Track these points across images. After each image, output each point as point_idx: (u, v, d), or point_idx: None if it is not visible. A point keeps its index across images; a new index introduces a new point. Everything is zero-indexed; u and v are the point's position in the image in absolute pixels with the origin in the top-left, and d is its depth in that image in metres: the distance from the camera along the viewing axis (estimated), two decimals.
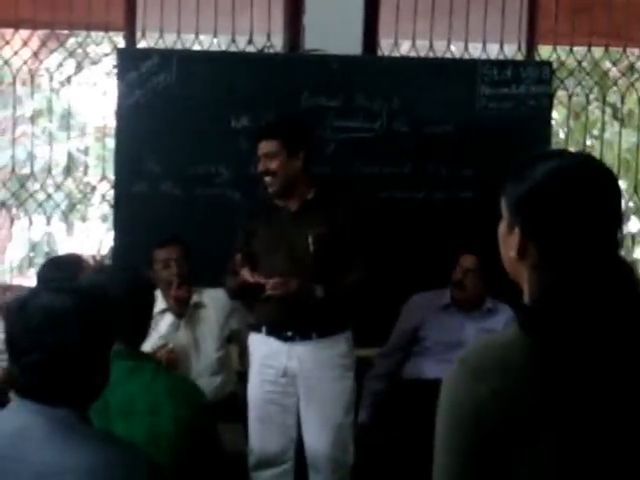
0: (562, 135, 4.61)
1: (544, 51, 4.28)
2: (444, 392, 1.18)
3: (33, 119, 4.39)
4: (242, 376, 3.28)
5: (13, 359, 1.52)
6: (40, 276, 2.86)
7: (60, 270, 2.76)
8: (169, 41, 4.04)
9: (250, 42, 4.06)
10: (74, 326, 1.48)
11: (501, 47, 4.15)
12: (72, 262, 2.90)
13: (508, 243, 1.22)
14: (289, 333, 3.04)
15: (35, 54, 4.16)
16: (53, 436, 1.44)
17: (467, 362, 1.16)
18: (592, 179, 1.19)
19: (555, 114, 4.62)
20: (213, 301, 3.32)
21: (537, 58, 4.18)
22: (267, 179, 3.04)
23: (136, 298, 2.03)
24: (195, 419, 1.97)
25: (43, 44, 4.21)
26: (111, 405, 1.84)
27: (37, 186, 4.22)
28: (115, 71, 3.79)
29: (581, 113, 4.37)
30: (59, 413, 1.46)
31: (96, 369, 1.55)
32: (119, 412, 1.88)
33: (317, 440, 3.06)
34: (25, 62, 4.14)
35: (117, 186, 3.77)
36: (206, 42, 4.11)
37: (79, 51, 4.22)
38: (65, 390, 1.49)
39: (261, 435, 3.08)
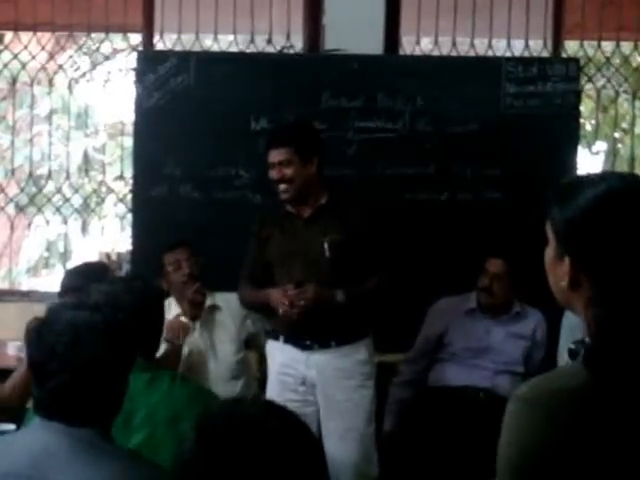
0: (589, 127, 4.49)
1: (570, 46, 4.17)
2: (511, 433, 1.13)
3: (49, 118, 4.37)
4: (262, 383, 3.22)
5: (38, 382, 1.48)
6: (65, 285, 2.79)
7: (87, 279, 2.70)
8: (187, 41, 3.99)
9: (269, 42, 4.00)
10: (102, 343, 1.47)
11: (526, 43, 4.06)
12: (99, 270, 2.84)
13: (557, 273, 1.16)
14: (307, 341, 2.98)
15: (52, 55, 4.13)
16: (78, 456, 1.42)
17: (537, 404, 1.11)
18: None
19: (582, 107, 4.51)
20: (228, 304, 3.27)
21: (563, 54, 4.08)
22: (282, 186, 2.98)
23: (148, 309, 2.03)
24: None
25: (61, 47, 4.18)
26: (133, 417, 1.83)
27: (52, 186, 4.19)
28: (132, 72, 3.75)
29: (609, 107, 4.25)
30: (84, 433, 1.44)
31: (120, 386, 1.53)
32: (141, 423, 1.88)
33: (339, 451, 2.99)
34: (43, 66, 4.11)
35: (135, 189, 3.72)
36: (224, 42, 4.05)
37: (94, 49, 4.19)
38: (91, 409, 1.47)
39: None
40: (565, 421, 1.08)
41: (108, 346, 1.47)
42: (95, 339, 1.46)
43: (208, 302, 3.25)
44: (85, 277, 2.69)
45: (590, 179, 1.17)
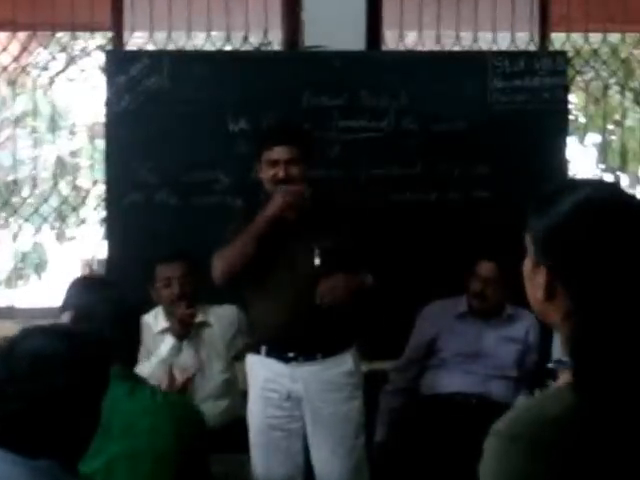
0: (583, 120, 4.41)
1: (557, 38, 4.07)
2: (496, 476, 1.04)
3: (18, 121, 4.21)
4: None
5: None
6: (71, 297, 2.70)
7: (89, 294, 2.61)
8: (159, 39, 3.83)
9: (246, 39, 3.85)
10: (62, 375, 1.42)
11: (512, 36, 3.95)
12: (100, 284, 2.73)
13: (534, 283, 1.12)
14: (291, 354, 2.86)
15: (16, 57, 3.97)
16: None
17: (520, 438, 1.03)
18: (627, 212, 1.08)
19: (575, 99, 4.42)
20: (219, 319, 3.15)
21: (550, 47, 3.98)
22: (286, 187, 2.81)
23: (124, 318, 1.98)
24: (194, 441, 1.94)
25: (24, 48, 4.01)
26: (112, 426, 1.78)
27: (26, 192, 4.04)
28: (102, 72, 3.61)
29: (601, 99, 4.16)
30: (41, 465, 1.38)
31: (84, 418, 1.46)
32: (120, 432, 1.83)
33: (329, 465, 2.91)
34: (5, 68, 3.95)
35: (109, 197, 3.56)
36: (198, 39, 3.89)
37: (60, 49, 4.04)
38: (50, 441, 1.41)
39: (266, 463, 2.92)
40: (555, 453, 1.01)
41: (69, 378, 1.42)
42: (55, 370, 1.41)
43: (198, 318, 3.10)
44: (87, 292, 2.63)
45: (569, 187, 1.14)
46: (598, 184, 1.22)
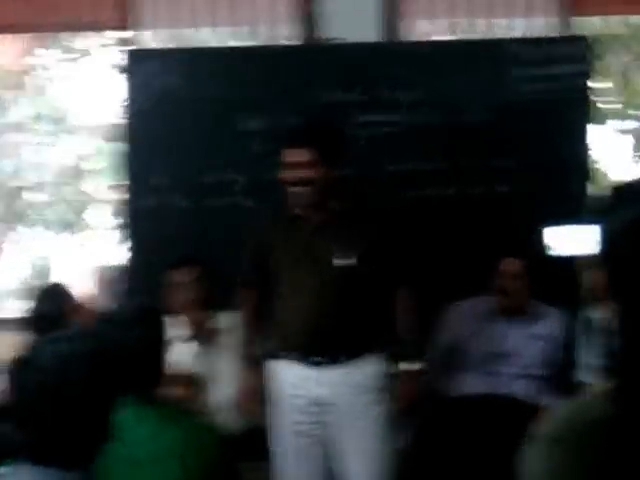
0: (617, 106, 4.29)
1: (578, 22, 3.94)
2: (536, 470, 1.06)
3: (24, 126, 4.15)
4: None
5: (24, 423, 1.40)
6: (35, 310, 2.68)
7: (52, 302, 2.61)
8: (163, 37, 3.75)
9: (255, 35, 3.77)
10: (89, 377, 1.42)
11: (530, 22, 3.82)
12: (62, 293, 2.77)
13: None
14: (317, 358, 2.79)
15: (18, 60, 3.92)
16: None
17: (565, 441, 1.05)
18: None
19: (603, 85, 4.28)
20: (232, 325, 3.06)
21: (571, 31, 3.84)
22: (296, 189, 2.76)
23: (145, 346, 1.96)
24: (208, 467, 1.91)
25: (26, 50, 3.96)
26: (118, 455, 1.71)
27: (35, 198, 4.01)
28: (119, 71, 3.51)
29: (632, 84, 4.04)
30: (77, 477, 1.40)
31: (106, 421, 1.47)
32: (125, 461, 1.80)
33: (357, 472, 2.84)
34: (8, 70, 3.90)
35: (124, 201, 3.48)
36: (203, 35, 3.80)
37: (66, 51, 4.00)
38: (82, 449, 1.42)
39: (293, 471, 2.85)
40: (598, 458, 1.03)
41: (97, 380, 1.43)
42: (83, 373, 1.42)
43: (210, 324, 3.06)
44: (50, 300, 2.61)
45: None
46: None
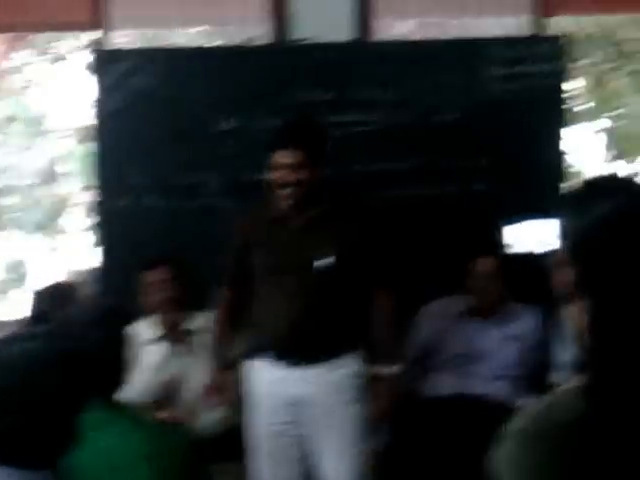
0: (591, 104, 4.32)
1: (550, 22, 3.96)
2: (515, 475, 1.05)
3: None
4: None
5: None
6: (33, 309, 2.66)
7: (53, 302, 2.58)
8: (135, 38, 3.73)
9: (228, 33, 3.75)
10: (54, 375, 1.40)
11: (501, 22, 3.84)
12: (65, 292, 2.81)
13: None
14: (293, 358, 2.80)
15: None
16: None
17: (542, 438, 1.05)
18: None
19: (579, 85, 4.31)
20: (206, 326, 3.04)
21: (545, 31, 3.85)
22: (287, 191, 2.75)
23: (104, 347, 1.91)
24: (176, 468, 1.88)
25: (1, 54, 3.92)
26: (85, 462, 1.65)
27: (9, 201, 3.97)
28: (88, 73, 3.48)
29: (605, 83, 4.06)
30: (41, 477, 1.37)
31: (73, 423, 1.44)
32: (96, 468, 1.75)
33: (335, 471, 2.85)
34: None
35: (100, 201, 3.45)
36: (175, 36, 3.80)
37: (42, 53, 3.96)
38: (46, 449, 1.40)
39: (270, 471, 2.86)
40: (569, 455, 1.02)
41: (64, 378, 1.41)
42: (48, 371, 1.40)
43: (185, 325, 3.05)
44: (51, 300, 2.59)
45: (604, 188, 1.13)
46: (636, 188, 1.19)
